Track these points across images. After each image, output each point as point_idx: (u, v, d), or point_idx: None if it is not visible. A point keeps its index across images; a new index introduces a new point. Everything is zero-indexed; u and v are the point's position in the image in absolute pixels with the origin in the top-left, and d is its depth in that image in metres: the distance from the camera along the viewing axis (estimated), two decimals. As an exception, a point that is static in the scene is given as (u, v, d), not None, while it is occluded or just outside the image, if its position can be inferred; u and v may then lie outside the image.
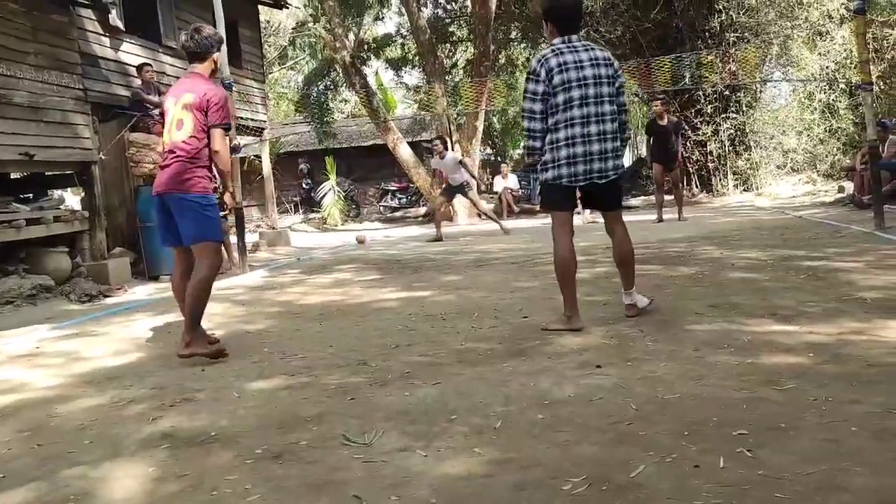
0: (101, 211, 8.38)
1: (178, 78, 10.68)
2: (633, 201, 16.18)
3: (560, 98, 3.85)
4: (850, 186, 11.77)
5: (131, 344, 4.63)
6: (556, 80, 3.84)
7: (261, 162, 14.55)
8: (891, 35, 14.78)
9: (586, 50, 3.92)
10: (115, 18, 9.16)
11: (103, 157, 8.46)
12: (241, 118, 11.77)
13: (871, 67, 9.26)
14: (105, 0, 8.72)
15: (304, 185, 21.85)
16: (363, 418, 2.72)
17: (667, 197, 11.82)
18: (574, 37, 3.97)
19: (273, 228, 13.48)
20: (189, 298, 3.82)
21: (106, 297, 7.15)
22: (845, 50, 14.68)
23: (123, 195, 9.04)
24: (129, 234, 8.93)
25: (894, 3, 14.26)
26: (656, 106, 11.06)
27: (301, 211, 21.39)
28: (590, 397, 2.76)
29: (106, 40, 9.17)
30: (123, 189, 9.01)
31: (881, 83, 14.79)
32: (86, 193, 8.53)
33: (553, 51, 3.91)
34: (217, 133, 3.90)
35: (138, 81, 8.88)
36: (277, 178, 17.95)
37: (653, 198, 13.22)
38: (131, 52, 9.62)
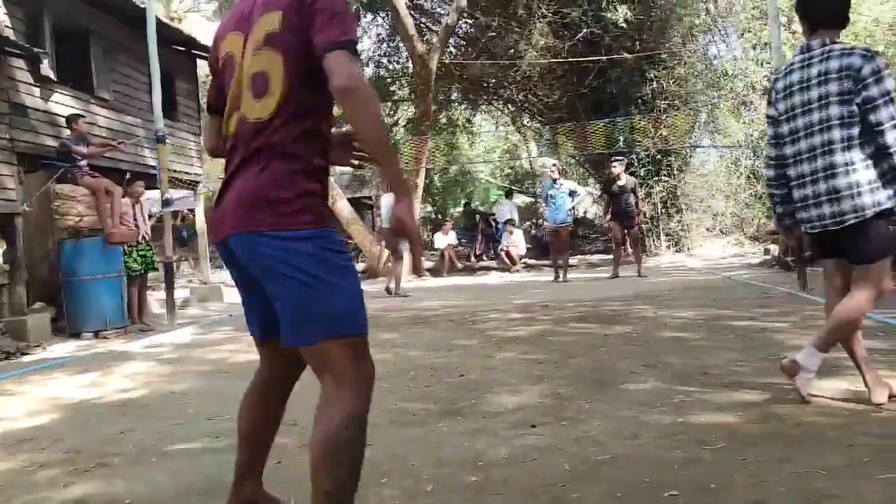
0: (22, 264, 8.06)
1: (111, 130, 10.61)
2: (592, 258, 16.57)
3: (785, 128, 3.18)
4: (775, 249, 12.20)
5: (48, 404, 4.39)
6: (781, 106, 3.17)
7: (194, 216, 14.31)
8: (810, 106, 15.61)
9: (822, 60, 3.05)
10: (46, 68, 8.99)
11: (27, 209, 8.17)
12: (175, 171, 11.58)
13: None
14: (37, 49, 8.55)
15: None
16: (290, 483, 2.61)
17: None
18: (816, 42, 3.11)
19: (205, 283, 13.17)
20: (322, 462, 1.76)
21: (24, 354, 6.81)
22: (768, 119, 15.40)
23: (47, 248, 8.71)
24: (51, 289, 8.58)
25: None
26: (614, 167, 11.55)
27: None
28: (524, 458, 2.71)
29: (36, 90, 8.97)
30: (47, 242, 8.68)
31: (802, 151, 15.53)
32: (7, 246, 8.20)
33: (787, 67, 3.19)
34: (340, 58, 1.76)
35: (67, 132, 8.67)
36: (213, 232, 17.62)
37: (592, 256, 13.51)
38: (62, 103, 9.42)
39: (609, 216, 11.86)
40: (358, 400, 1.80)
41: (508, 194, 21.79)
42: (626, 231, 11.65)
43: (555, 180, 11.70)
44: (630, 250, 12.38)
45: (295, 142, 1.83)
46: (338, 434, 1.75)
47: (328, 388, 1.82)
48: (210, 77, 2.15)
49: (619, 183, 11.37)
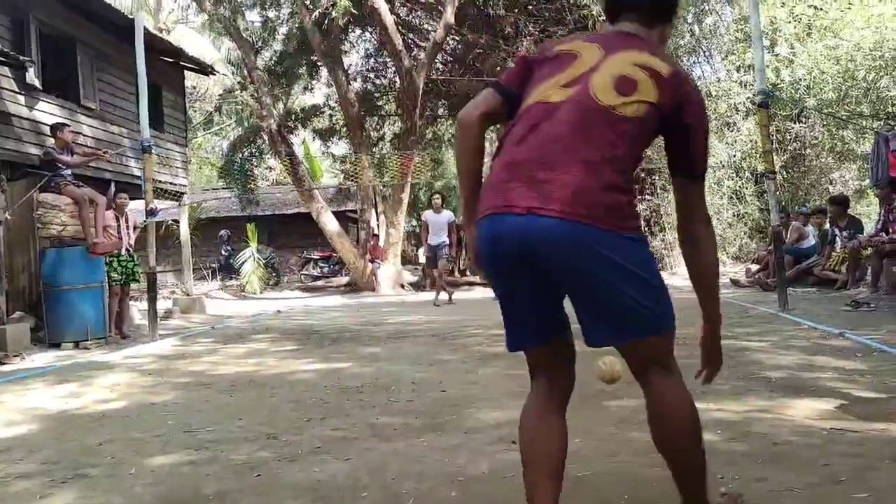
0: (2, 273, 7.97)
1: (96, 139, 10.55)
2: None
3: None
4: (755, 268, 12.34)
5: (25, 415, 4.34)
6: None
7: (178, 227, 14.25)
8: (793, 128, 15.83)
9: None
10: (32, 77, 8.96)
11: (9, 217, 8.10)
12: (160, 182, 11.56)
13: (775, 157, 9.85)
14: (23, 58, 8.51)
15: (222, 252, 21.43)
16: (269, 496, 2.60)
17: None
18: None
19: (188, 295, 13.10)
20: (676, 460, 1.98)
21: (2, 364, 6.72)
22: (751, 140, 15.61)
23: (28, 257, 8.65)
24: (32, 298, 8.51)
25: (796, 99, 15.32)
26: None
27: (219, 278, 20.90)
28: (504, 473, 2.72)
29: (21, 98, 8.93)
30: (29, 251, 8.62)
31: (784, 172, 15.75)
32: (-13, 254, 8.12)
33: None
34: (701, 192, 2.02)
35: (52, 141, 8.62)
36: (196, 243, 17.56)
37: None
38: (47, 112, 9.38)
39: None
40: (683, 383, 1.94)
41: None
42: None
43: None
44: None
45: (628, 145, 1.84)
46: (689, 421, 1.92)
47: (657, 377, 1.92)
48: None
49: None
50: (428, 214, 12.30)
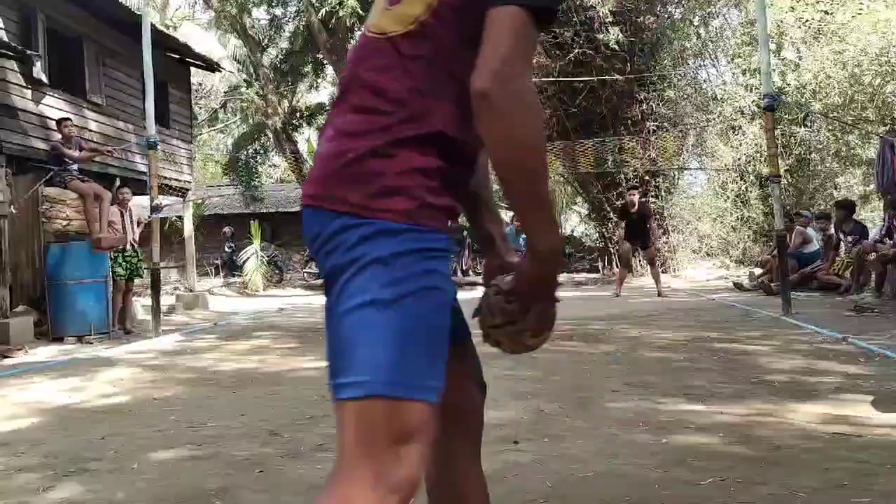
0: (6, 266, 7.99)
1: (102, 135, 10.58)
2: (578, 276, 16.65)
3: None
4: (759, 272, 12.32)
5: (27, 408, 4.35)
6: None
7: (183, 223, 14.28)
8: (798, 132, 15.79)
9: None
10: (38, 71, 8.98)
11: (14, 211, 8.12)
12: (165, 177, 11.58)
13: (780, 161, 9.83)
14: (30, 52, 8.53)
15: (226, 249, 21.45)
16: (271, 492, 2.61)
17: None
18: None
19: (191, 291, 13.11)
20: None
21: (5, 357, 6.74)
22: (756, 144, 15.58)
23: (33, 251, 8.66)
24: (36, 292, 8.53)
25: (802, 103, 15.29)
26: (630, 195, 11.81)
27: (222, 275, 20.92)
28: (505, 473, 2.72)
29: (28, 92, 8.95)
30: (33, 245, 8.64)
31: (789, 176, 15.71)
32: (-8, 247, 8.14)
33: None
34: (505, 24, 1.05)
35: (58, 135, 8.64)
36: (200, 240, 17.58)
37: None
38: (53, 106, 9.40)
39: (622, 237, 12.30)
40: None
41: None
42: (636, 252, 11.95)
43: None
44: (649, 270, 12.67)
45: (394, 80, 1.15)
46: None
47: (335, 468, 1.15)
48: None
49: (632, 211, 11.68)
50: None
